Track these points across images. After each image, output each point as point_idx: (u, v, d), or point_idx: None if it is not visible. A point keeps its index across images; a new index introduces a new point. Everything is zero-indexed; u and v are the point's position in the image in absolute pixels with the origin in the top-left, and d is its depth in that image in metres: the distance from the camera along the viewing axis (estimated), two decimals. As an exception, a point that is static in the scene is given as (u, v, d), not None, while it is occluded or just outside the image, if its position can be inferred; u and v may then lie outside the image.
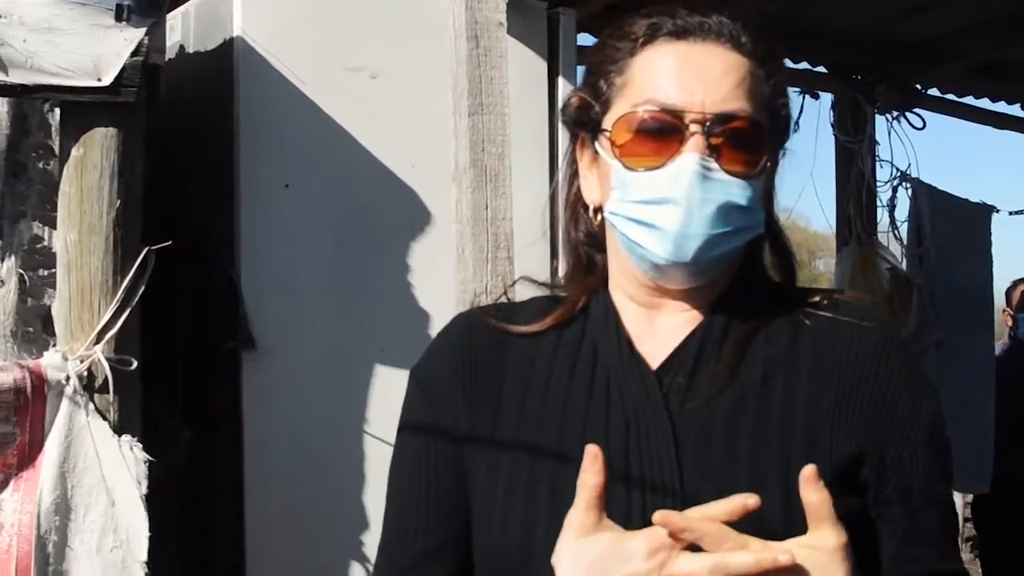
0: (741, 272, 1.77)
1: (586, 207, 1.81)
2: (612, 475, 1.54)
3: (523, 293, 1.90)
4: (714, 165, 1.64)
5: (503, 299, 1.94)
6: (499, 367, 1.76)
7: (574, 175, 1.83)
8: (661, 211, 1.65)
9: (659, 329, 1.74)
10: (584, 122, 1.78)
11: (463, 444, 1.73)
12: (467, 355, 1.78)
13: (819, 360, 1.69)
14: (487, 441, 1.72)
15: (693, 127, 1.64)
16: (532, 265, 3.74)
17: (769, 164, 1.72)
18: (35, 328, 3.57)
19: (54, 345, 3.32)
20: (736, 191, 1.65)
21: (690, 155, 1.64)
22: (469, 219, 2.98)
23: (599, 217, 1.77)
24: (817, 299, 1.76)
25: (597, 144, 1.75)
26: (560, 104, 4.04)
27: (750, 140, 1.66)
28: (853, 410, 1.66)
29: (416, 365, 1.82)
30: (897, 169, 6.40)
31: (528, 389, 1.73)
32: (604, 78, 1.75)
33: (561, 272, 1.91)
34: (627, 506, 1.59)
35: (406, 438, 1.79)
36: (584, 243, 1.84)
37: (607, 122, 1.72)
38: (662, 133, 1.66)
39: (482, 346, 1.78)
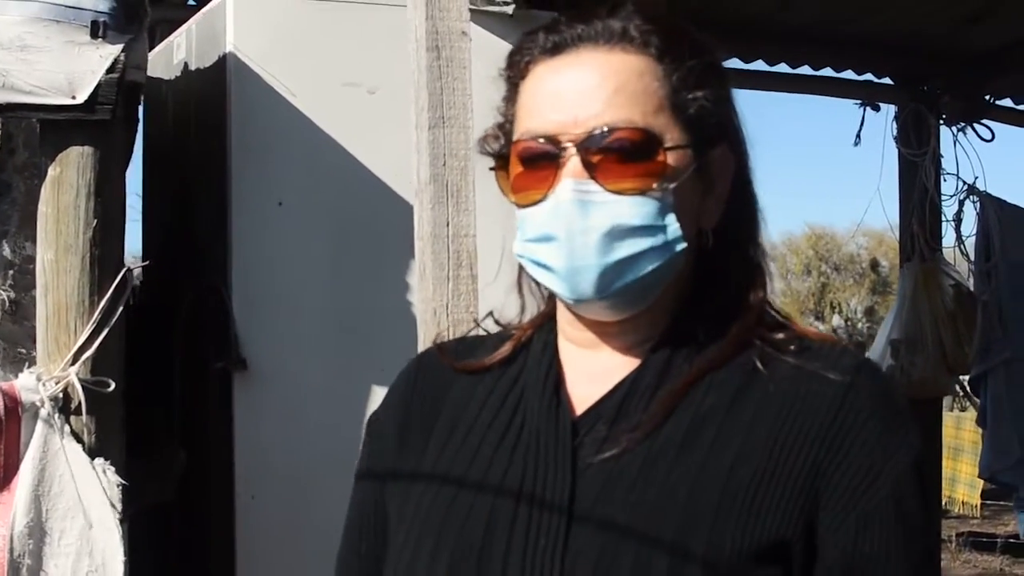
0: (692, 296, 1.59)
1: None
2: (495, 526, 1.49)
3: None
4: (594, 187, 1.48)
5: (479, 330, 1.82)
6: (437, 409, 1.67)
7: None
8: (547, 249, 1.51)
9: (597, 370, 1.58)
10: (497, 158, 1.63)
11: (387, 488, 1.66)
12: (409, 399, 1.70)
13: (762, 414, 1.49)
14: (404, 485, 1.63)
15: (569, 150, 1.49)
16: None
17: (689, 168, 1.53)
18: (26, 349, 3.56)
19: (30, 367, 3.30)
20: (626, 210, 1.49)
21: (565, 181, 1.49)
22: (429, 236, 2.87)
23: None
24: (783, 340, 1.56)
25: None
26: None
27: (637, 150, 1.49)
28: (786, 473, 1.46)
29: (373, 411, 1.77)
30: (963, 182, 6.19)
31: (452, 434, 1.64)
32: (503, 111, 1.63)
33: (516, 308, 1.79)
34: (504, 560, 1.48)
35: (354, 482, 1.76)
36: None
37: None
38: (540, 162, 1.51)
39: (427, 387, 1.70)
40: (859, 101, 6.25)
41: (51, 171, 3.27)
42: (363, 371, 3.80)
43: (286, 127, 3.78)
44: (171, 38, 4.17)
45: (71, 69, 3.23)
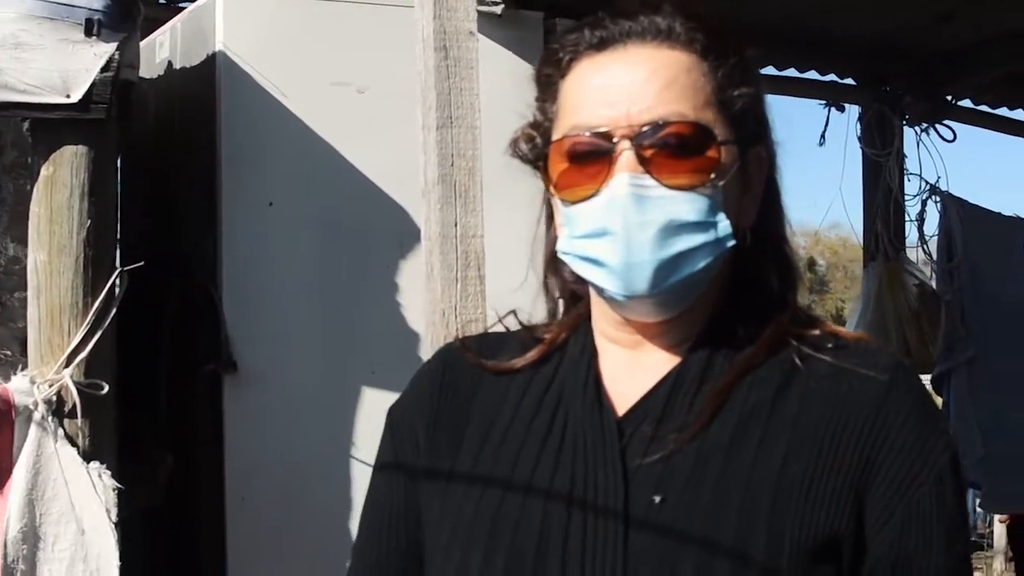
0: (730, 295, 1.59)
1: None
2: (549, 534, 1.47)
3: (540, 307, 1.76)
4: (650, 181, 1.47)
5: (499, 327, 1.78)
6: (467, 408, 1.65)
7: (549, 208, 1.67)
8: (601, 244, 1.49)
9: (637, 369, 1.57)
10: (533, 159, 1.62)
11: (421, 487, 1.63)
12: (438, 396, 1.67)
13: (807, 412, 1.50)
14: (440, 486, 1.60)
15: (622, 144, 1.48)
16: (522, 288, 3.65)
17: (734, 165, 1.53)
18: (12, 351, 3.51)
19: (21, 369, 3.26)
20: (681, 206, 1.48)
21: (620, 176, 1.47)
22: (437, 236, 2.87)
23: None
24: (820, 341, 1.56)
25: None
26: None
27: (691, 145, 1.48)
28: (835, 469, 1.46)
29: (393, 403, 1.73)
30: (926, 182, 6.22)
31: (489, 433, 1.61)
32: (540, 108, 1.61)
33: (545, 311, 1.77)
34: (562, 570, 1.46)
35: (374, 475, 1.72)
36: (570, 279, 1.66)
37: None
38: (591, 157, 1.50)
39: (455, 385, 1.67)
40: (824, 102, 6.27)
41: (44, 170, 3.23)
42: (354, 372, 3.79)
43: (276, 127, 3.75)
44: (153, 36, 4.13)
45: (65, 67, 3.20)
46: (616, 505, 1.47)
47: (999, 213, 6.57)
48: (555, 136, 1.56)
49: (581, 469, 1.51)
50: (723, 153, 1.51)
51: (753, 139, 1.58)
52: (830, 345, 1.55)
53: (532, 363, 1.65)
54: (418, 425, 1.66)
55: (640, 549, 1.44)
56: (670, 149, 1.48)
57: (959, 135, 6.35)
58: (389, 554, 1.65)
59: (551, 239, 1.67)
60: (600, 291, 1.56)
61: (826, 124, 6.32)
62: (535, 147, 1.61)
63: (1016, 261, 6.55)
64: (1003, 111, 6.74)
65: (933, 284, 6.25)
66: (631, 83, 1.51)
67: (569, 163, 1.52)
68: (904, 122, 6.27)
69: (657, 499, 1.46)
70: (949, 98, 6.44)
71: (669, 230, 1.48)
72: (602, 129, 1.49)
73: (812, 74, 6.24)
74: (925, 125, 6.27)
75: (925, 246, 6.32)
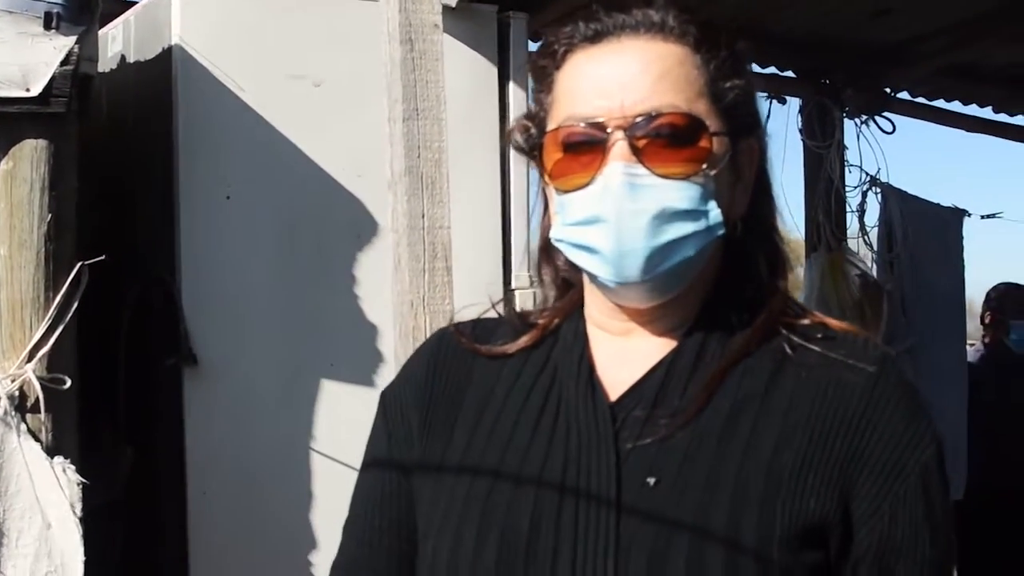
0: (721, 283, 1.62)
1: None
2: (541, 514, 1.49)
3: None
4: (642, 170, 1.51)
5: (491, 313, 1.82)
6: (460, 392, 1.68)
7: (546, 202, 1.70)
8: (594, 231, 1.53)
9: (629, 356, 1.60)
10: (528, 149, 1.67)
11: (413, 470, 1.66)
12: (431, 380, 1.70)
13: (798, 400, 1.53)
14: (433, 469, 1.63)
15: (616, 134, 1.51)
16: (485, 277, 3.67)
17: (725, 156, 1.57)
18: (-19, 347, 3.48)
19: (-13, 364, 3.24)
20: (673, 194, 1.52)
21: (614, 164, 1.51)
22: (405, 228, 2.89)
23: None
24: (810, 331, 1.59)
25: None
26: (512, 111, 3.97)
27: (683, 136, 1.52)
28: (825, 458, 1.50)
29: (387, 387, 1.76)
30: (867, 174, 6.32)
31: (482, 417, 1.64)
32: (536, 99, 1.66)
33: (538, 299, 1.79)
34: (554, 551, 1.48)
35: (366, 460, 1.74)
36: (563, 267, 1.71)
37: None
38: (585, 147, 1.54)
39: (448, 370, 1.70)
40: (765, 94, 6.33)
41: (3, 165, 3.20)
42: (314, 365, 3.79)
43: (233, 120, 3.74)
44: (105, 30, 4.09)
45: (25, 61, 3.17)
46: (608, 487, 1.50)
47: (938, 204, 6.68)
48: (550, 126, 1.60)
49: (575, 452, 1.54)
50: (715, 144, 1.55)
51: (744, 130, 1.61)
52: (819, 335, 1.59)
53: (525, 348, 1.68)
54: (410, 408, 1.69)
55: (632, 531, 1.47)
56: (663, 139, 1.52)
57: (899, 127, 6.44)
58: (380, 532, 1.67)
59: (544, 227, 1.71)
60: (593, 278, 1.59)
61: (767, 116, 6.38)
62: (530, 137, 1.65)
63: (954, 251, 6.67)
64: (940, 103, 6.84)
65: (875, 274, 6.33)
66: (625, 74, 1.54)
67: (563, 152, 1.56)
68: (844, 114, 6.35)
69: (651, 481, 1.49)
70: (888, 90, 6.53)
71: (661, 218, 1.51)
72: (596, 119, 1.53)
73: (753, 67, 6.30)
74: (865, 117, 6.36)
75: (866, 237, 6.41)
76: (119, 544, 3.76)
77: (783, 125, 6.41)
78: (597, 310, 1.65)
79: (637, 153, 1.51)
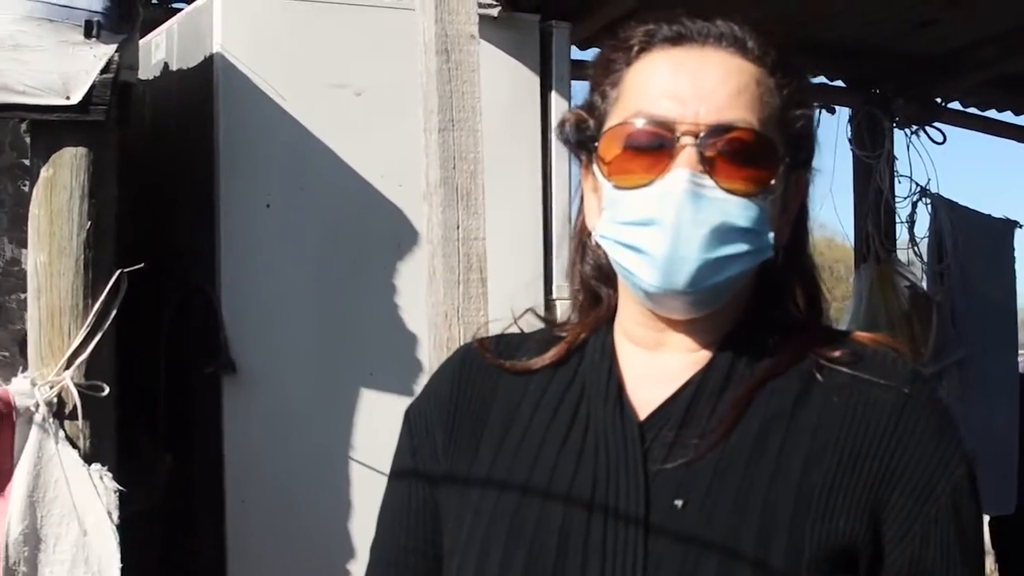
0: (755, 305, 1.59)
1: (591, 235, 1.64)
2: (569, 533, 1.47)
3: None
4: (708, 182, 1.48)
5: (514, 328, 1.79)
6: (486, 409, 1.65)
7: (581, 201, 1.68)
8: (648, 233, 1.49)
9: (658, 372, 1.57)
10: (581, 142, 1.63)
11: (439, 487, 1.64)
12: (456, 396, 1.67)
13: (827, 420, 1.50)
14: (459, 486, 1.61)
15: (685, 139, 1.48)
16: (525, 288, 3.65)
17: (783, 183, 1.54)
18: (11, 353, 3.52)
19: (21, 370, 3.26)
20: (735, 211, 1.49)
21: (680, 171, 1.47)
22: (440, 239, 2.88)
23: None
24: (839, 353, 1.56)
25: (593, 164, 1.60)
26: (554, 121, 3.94)
27: (753, 154, 1.49)
28: (855, 478, 1.47)
29: (411, 403, 1.74)
30: (916, 184, 6.26)
31: (508, 434, 1.61)
32: (599, 92, 1.61)
33: (567, 307, 1.76)
34: (582, 570, 1.46)
35: (392, 477, 1.71)
36: (591, 276, 1.68)
37: (599, 138, 1.58)
38: (651, 147, 1.50)
39: (473, 385, 1.67)
40: (814, 104, 6.29)
41: (44, 172, 3.22)
42: (352, 374, 3.79)
43: (273, 129, 3.75)
44: (149, 37, 4.12)
45: (65, 69, 3.19)
46: (637, 508, 1.47)
47: (988, 215, 6.61)
48: (612, 121, 1.56)
49: (603, 472, 1.51)
50: (779, 168, 1.53)
51: (803, 162, 1.59)
52: (849, 356, 1.55)
53: (551, 364, 1.65)
54: (436, 425, 1.66)
55: (660, 553, 1.45)
56: (732, 154, 1.49)
57: (949, 137, 6.38)
58: (407, 553, 1.64)
59: (580, 228, 1.68)
60: (633, 281, 1.55)
61: (816, 126, 6.33)
62: (586, 129, 1.61)
63: (1005, 262, 6.60)
64: (991, 113, 6.78)
65: (924, 285, 6.28)
66: (704, 82, 1.51)
67: (625, 148, 1.52)
68: (894, 124, 6.30)
69: (679, 503, 1.47)
70: (939, 100, 6.47)
71: (720, 232, 1.48)
72: (667, 120, 1.49)
73: (802, 76, 6.26)
74: (915, 127, 6.30)
75: (916, 248, 6.35)
76: (157, 551, 3.77)
77: (832, 135, 6.37)
78: (630, 318, 1.62)
79: (705, 163, 1.48)
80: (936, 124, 6.37)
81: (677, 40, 1.55)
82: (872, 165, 6.24)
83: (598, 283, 1.67)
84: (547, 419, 1.60)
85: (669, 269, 1.49)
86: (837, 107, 6.34)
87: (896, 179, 6.31)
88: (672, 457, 1.50)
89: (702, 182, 1.48)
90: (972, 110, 6.71)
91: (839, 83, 6.35)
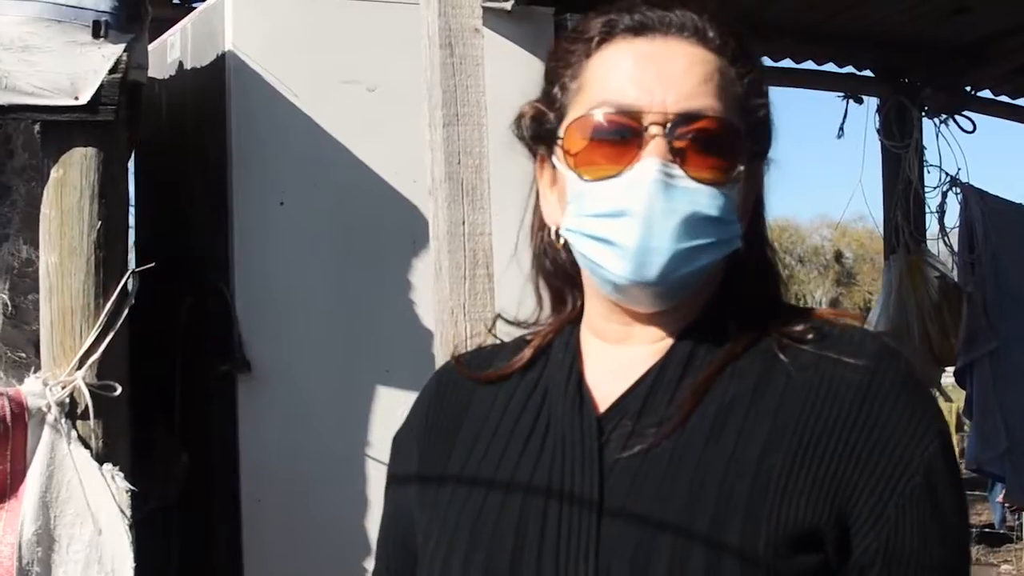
0: (718, 294, 1.58)
1: (550, 232, 1.62)
2: (526, 530, 1.47)
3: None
4: (678, 171, 1.46)
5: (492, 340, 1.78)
6: (458, 423, 1.65)
7: (537, 199, 1.65)
8: (618, 225, 1.47)
9: (622, 367, 1.56)
10: (540, 135, 1.60)
11: (414, 501, 1.64)
12: (432, 413, 1.68)
13: (789, 401, 1.48)
14: (431, 501, 1.60)
15: (653, 129, 1.46)
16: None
17: (747, 172, 1.53)
18: (27, 354, 3.51)
19: (35, 371, 3.26)
20: (705, 200, 1.47)
21: (650, 160, 1.46)
22: (445, 235, 2.86)
23: (562, 240, 1.58)
24: (801, 329, 1.53)
25: (554, 157, 1.57)
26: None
27: (720, 142, 1.48)
28: (817, 460, 1.44)
29: (397, 430, 1.75)
30: (946, 174, 6.21)
31: (476, 444, 1.61)
32: (558, 83, 1.57)
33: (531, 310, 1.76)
34: (537, 569, 1.46)
35: (384, 507, 1.74)
36: (552, 274, 1.67)
37: (562, 130, 1.55)
38: (618, 137, 1.48)
39: (449, 401, 1.68)
40: (842, 94, 6.25)
41: (54, 173, 3.23)
42: (368, 371, 3.78)
43: (286, 126, 3.75)
44: (164, 37, 4.13)
45: (73, 69, 3.19)
46: (591, 499, 1.46)
47: (1020, 204, 6.54)
48: (576, 113, 1.53)
49: (559, 467, 1.51)
50: (744, 157, 1.51)
51: (762, 152, 1.58)
52: (812, 335, 1.53)
53: (519, 369, 1.64)
54: (413, 445, 1.67)
55: (614, 541, 1.43)
56: (701, 143, 1.47)
57: (979, 126, 6.32)
58: (400, 562, 1.66)
59: (538, 226, 1.66)
60: (601, 275, 1.53)
61: (844, 116, 6.31)
62: (546, 123, 1.59)
63: (1037, 251, 6.52)
64: (1022, 101, 6.71)
65: (955, 276, 6.22)
66: (670, 71, 1.49)
67: (592, 139, 1.50)
68: (923, 113, 6.25)
69: (634, 492, 1.46)
70: (968, 89, 6.41)
71: (691, 222, 1.46)
72: (634, 109, 1.48)
73: (830, 66, 6.22)
74: (944, 116, 6.25)
75: (946, 238, 6.30)
76: (173, 549, 3.78)
77: (861, 125, 6.32)
78: (596, 313, 1.60)
79: (675, 152, 1.47)
80: (966, 113, 6.30)
81: (639, 30, 1.53)
82: (901, 155, 6.19)
83: (561, 283, 1.66)
84: (511, 424, 1.60)
85: (641, 260, 1.47)
86: (865, 97, 6.29)
87: (925, 169, 6.26)
88: (630, 447, 1.48)
89: (672, 171, 1.46)
90: (1004, 98, 6.64)
91: (867, 72, 6.30)
